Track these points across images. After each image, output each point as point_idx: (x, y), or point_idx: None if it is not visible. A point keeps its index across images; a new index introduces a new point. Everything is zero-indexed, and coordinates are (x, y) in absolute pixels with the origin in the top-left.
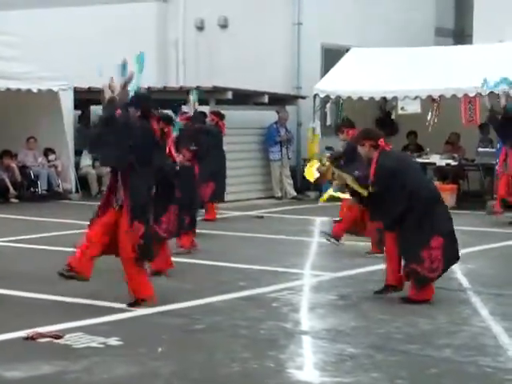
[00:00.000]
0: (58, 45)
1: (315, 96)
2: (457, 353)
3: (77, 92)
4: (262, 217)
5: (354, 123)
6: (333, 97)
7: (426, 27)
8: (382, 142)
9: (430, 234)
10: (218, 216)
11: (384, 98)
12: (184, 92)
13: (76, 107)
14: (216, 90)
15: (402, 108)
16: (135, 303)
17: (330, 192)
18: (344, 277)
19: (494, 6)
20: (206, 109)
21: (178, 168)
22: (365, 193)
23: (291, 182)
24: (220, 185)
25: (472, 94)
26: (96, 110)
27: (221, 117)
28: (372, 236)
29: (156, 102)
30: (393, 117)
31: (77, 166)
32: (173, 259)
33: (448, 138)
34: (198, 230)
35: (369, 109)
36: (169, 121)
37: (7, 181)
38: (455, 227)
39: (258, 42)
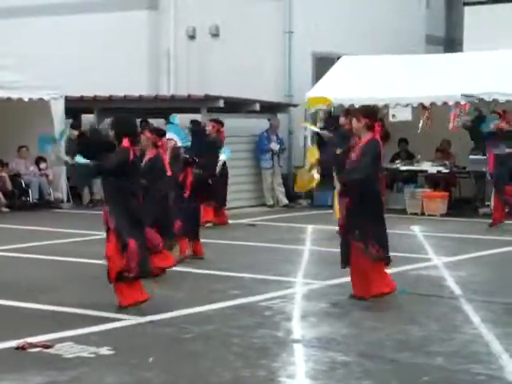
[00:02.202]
0: (48, 53)
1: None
2: (448, 360)
3: (68, 101)
4: (254, 225)
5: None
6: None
7: (416, 35)
8: (378, 125)
9: None
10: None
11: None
12: (176, 101)
13: (67, 116)
14: (208, 99)
15: (393, 115)
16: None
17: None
18: (335, 285)
19: (484, 15)
20: (197, 117)
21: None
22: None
23: (283, 189)
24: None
25: (463, 102)
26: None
27: (222, 124)
28: None
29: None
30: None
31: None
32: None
33: (439, 144)
34: None
35: None
36: (160, 133)
37: None
38: (446, 234)
39: (250, 51)
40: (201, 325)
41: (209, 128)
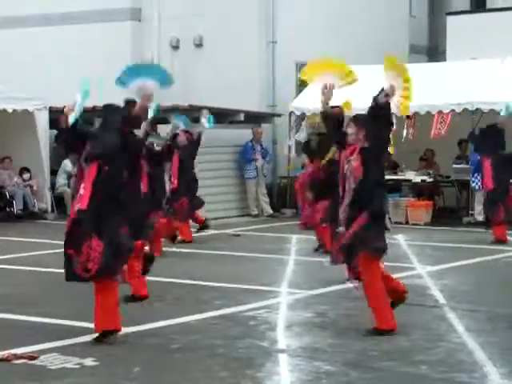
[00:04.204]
0: (32, 64)
1: (291, 114)
2: (433, 369)
3: (52, 112)
4: (238, 235)
5: None
6: (308, 114)
7: (400, 44)
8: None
9: None
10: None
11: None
12: (160, 111)
13: (51, 127)
14: (192, 109)
15: None
16: (101, 336)
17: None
18: (320, 294)
19: (466, 24)
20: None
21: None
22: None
23: (267, 199)
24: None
25: (446, 111)
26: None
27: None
28: None
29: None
30: None
31: (52, 185)
32: (148, 278)
33: (423, 154)
34: (174, 249)
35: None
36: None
37: None
38: (431, 243)
39: (233, 61)
40: (185, 335)
41: (182, 138)
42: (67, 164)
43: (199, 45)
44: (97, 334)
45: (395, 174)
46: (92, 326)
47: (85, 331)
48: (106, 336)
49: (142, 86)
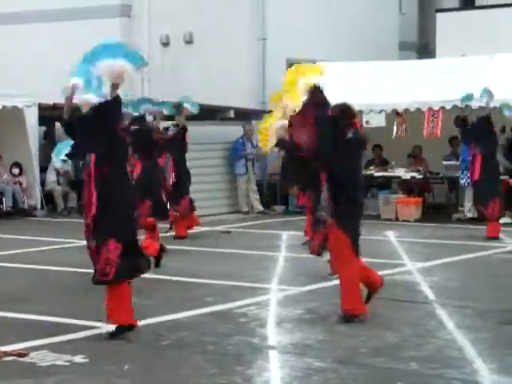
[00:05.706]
0: (22, 61)
1: None
2: (423, 365)
3: (41, 109)
4: (228, 232)
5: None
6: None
7: (390, 41)
8: (355, 122)
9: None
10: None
11: None
12: None
13: (41, 124)
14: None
15: (367, 122)
16: (116, 332)
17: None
18: (311, 291)
19: (455, 21)
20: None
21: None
22: None
23: (258, 196)
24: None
25: (436, 108)
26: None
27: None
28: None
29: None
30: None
31: (42, 182)
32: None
33: (411, 151)
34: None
35: None
36: None
37: None
38: (420, 240)
39: (224, 58)
40: (176, 332)
41: (171, 133)
42: (56, 161)
43: (189, 42)
44: (112, 329)
45: (385, 170)
46: (81, 322)
47: (75, 328)
48: (122, 331)
49: (112, 66)
